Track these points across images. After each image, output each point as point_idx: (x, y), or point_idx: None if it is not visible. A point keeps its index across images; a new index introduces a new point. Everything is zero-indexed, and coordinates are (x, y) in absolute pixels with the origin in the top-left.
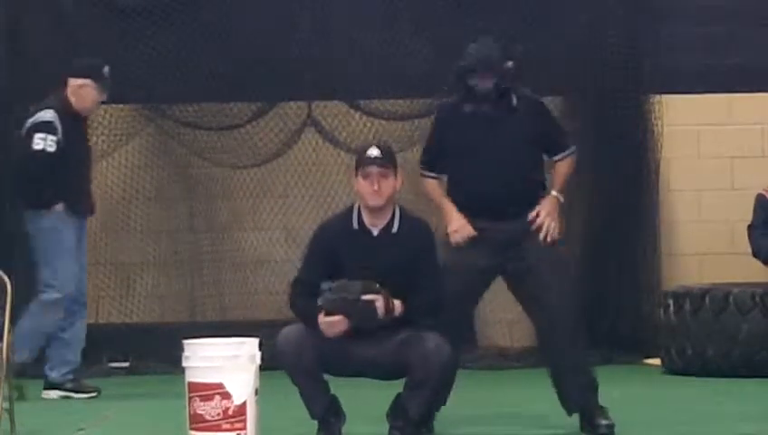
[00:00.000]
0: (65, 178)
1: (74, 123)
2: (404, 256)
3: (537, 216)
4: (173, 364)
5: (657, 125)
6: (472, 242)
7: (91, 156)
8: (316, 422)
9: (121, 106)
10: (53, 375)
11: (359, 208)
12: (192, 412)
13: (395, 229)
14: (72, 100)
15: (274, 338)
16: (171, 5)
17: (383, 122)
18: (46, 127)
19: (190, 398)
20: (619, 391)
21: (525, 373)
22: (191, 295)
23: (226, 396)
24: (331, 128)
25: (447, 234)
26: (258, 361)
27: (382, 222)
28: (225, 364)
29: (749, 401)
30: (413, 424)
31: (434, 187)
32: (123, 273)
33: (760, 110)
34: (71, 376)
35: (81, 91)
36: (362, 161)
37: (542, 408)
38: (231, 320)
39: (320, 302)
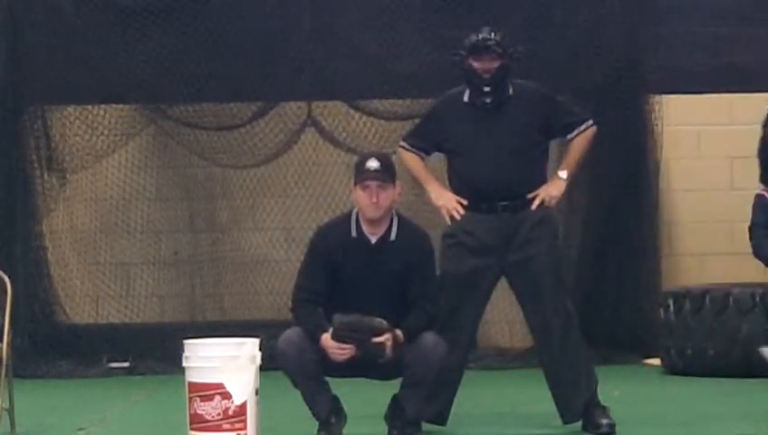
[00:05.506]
0: None
1: None
2: (401, 263)
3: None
4: (173, 364)
5: (657, 125)
6: (469, 244)
7: None
8: (316, 422)
9: (121, 106)
10: None
11: (357, 215)
12: (192, 412)
13: (393, 237)
14: None
15: (275, 338)
16: (171, 5)
17: (383, 122)
18: None
19: (190, 398)
20: (619, 391)
21: (525, 373)
22: (191, 295)
23: (227, 396)
24: (330, 128)
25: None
26: (258, 361)
27: (380, 230)
28: (226, 364)
29: (749, 401)
30: (411, 424)
31: (416, 161)
32: (123, 273)
33: (760, 110)
34: None
35: None
36: (361, 173)
37: (542, 408)
38: (231, 320)
39: (331, 335)
